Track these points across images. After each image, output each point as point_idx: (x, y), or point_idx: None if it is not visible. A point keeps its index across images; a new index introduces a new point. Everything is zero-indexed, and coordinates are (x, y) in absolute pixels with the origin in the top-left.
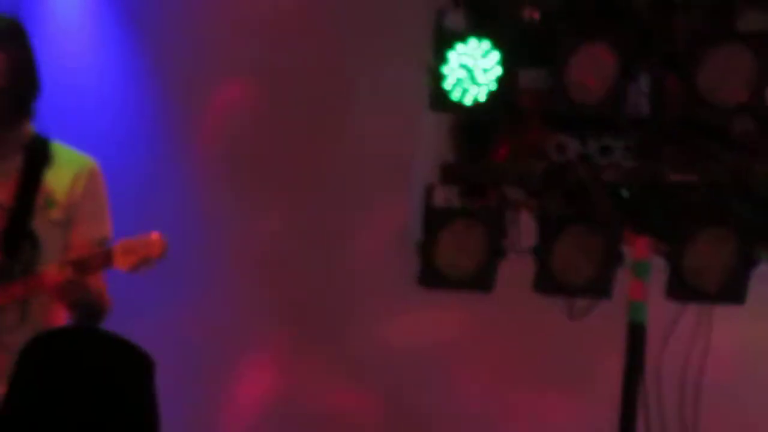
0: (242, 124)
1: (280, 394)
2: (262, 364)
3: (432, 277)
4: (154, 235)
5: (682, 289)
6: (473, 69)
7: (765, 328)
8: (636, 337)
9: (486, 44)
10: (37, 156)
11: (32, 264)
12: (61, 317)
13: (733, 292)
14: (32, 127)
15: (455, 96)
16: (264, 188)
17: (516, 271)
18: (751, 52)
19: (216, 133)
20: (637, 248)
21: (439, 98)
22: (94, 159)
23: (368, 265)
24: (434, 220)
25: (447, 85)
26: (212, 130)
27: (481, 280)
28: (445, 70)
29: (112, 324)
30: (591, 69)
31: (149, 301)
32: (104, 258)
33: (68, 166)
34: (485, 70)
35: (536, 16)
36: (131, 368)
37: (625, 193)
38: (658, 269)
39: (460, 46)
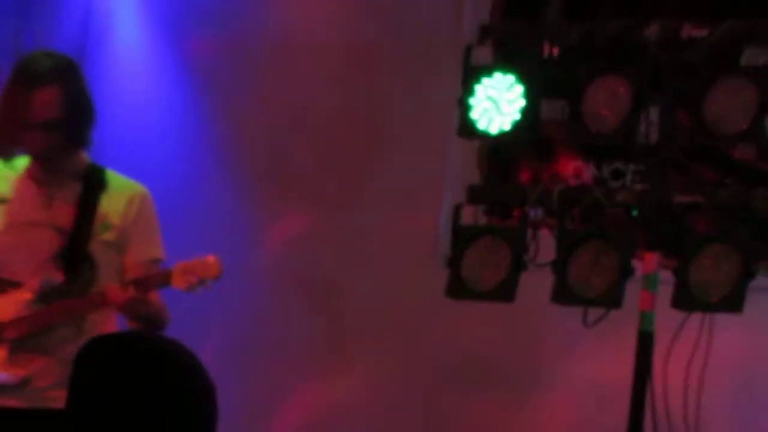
0: (284, 152)
1: (320, 401)
2: (302, 376)
3: (459, 289)
4: (211, 258)
5: (686, 299)
6: (498, 100)
7: (760, 335)
8: (644, 343)
9: (510, 78)
10: (94, 183)
11: (90, 283)
12: (113, 330)
13: (732, 302)
14: (89, 157)
15: (482, 125)
16: (304, 210)
17: (536, 283)
18: (753, 84)
19: (260, 160)
20: (647, 263)
21: (467, 127)
22: (144, 186)
23: (401, 278)
24: (461, 237)
25: (474, 114)
26: (256, 158)
27: (503, 292)
28: (472, 101)
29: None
30: (606, 100)
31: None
32: (163, 278)
33: (122, 192)
34: (510, 102)
35: (555, 52)
36: (180, 369)
37: (635, 213)
38: (666, 282)
39: (486, 80)
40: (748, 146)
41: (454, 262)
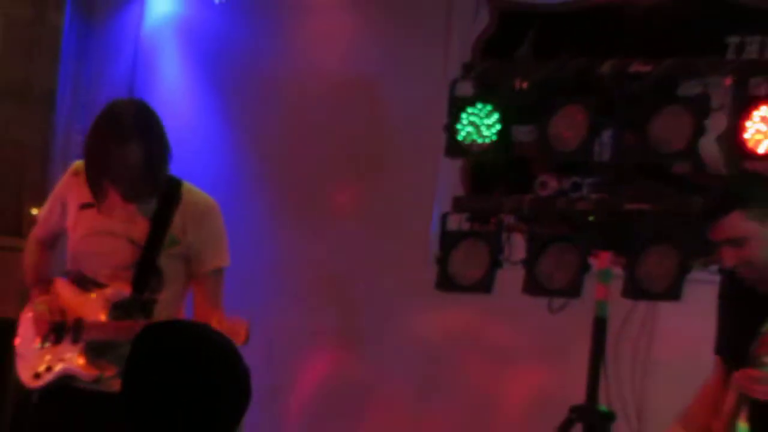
0: (304, 169)
1: (334, 375)
2: (320, 354)
3: (446, 283)
4: (243, 326)
5: (634, 290)
6: (479, 126)
7: (695, 318)
8: (599, 327)
9: (488, 107)
10: (169, 198)
11: (156, 291)
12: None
13: (672, 292)
14: (167, 177)
15: (466, 147)
16: (321, 220)
17: (510, 278)
18: (688, 111)
19: (284, 178)
20: (601, 260)
21: (454, 148)
22: (214, 199)
23: (399, 273)
24: (448, 240)
25: (459, 137)
26: (281, 176)
27: (483, 285)
28: (457, 126)
29: None
30: (567, 125)
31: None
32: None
33: (194, 206)
34: (488, 127)
35: (525, 85)
36: (224, 352)
37: (592, 218)
38: (617, 276)
39: (468, 109)
40: (684, 163)
41: (442, 261)
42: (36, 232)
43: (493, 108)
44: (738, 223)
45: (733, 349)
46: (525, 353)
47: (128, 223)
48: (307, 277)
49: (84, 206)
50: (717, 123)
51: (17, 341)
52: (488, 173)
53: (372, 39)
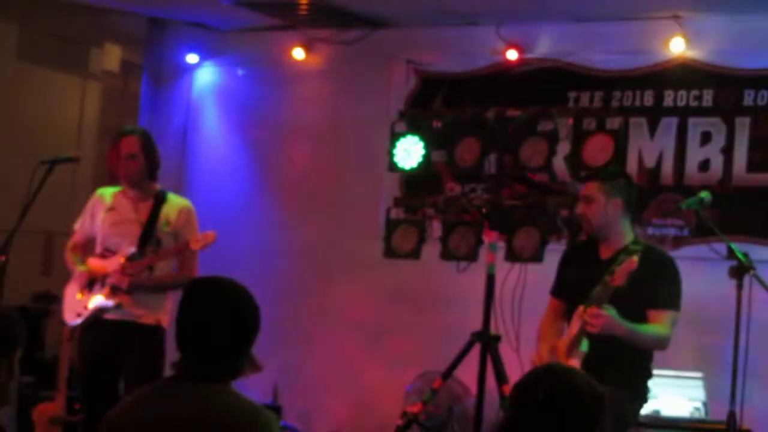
0: (298, 184)
1: (313, 312)
2: (303, 298)
3: (390, 252)
4: (212, 234)
5: (512, 256)
6: (409, 151)
7: (551, 274)
8: (490, 280)
9: (415, 138)
10: (160, 199)
11: (157, 253)
12: (173, 277)
13: (536, 257)
14: (158, 186)
15: (401, 164)
16: (308, 215)
17: (431, 249)
18: (545, 141)
19: (284, 183)
20: (490, 237)
21: (393, 166)
22: (188, 201)
23: (360, 247)
24: (391, 225)
25: (397, 159)
26: (280, 181)
27: (414, 254)
28: (395, 151)
29: None
30: (466, 150)
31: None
32: (185, 245)
33: (176, 205)
34: (415, 152)
35: (439, 125)
36: (247, 295)
37: (484, 211)
38: (501, 247)
39: (402, 139)
40: (543, 174)
41: (386, 239)
42: (74, 237)
43: (418, 139)
44: (592, 187)
45: (565, 291)
46: (442, 298)
47: (136, 213)
48: (299, 249)
49: (108, 210)
50: (563, 148)
51: (65, 298)
52: (416, 182)
53: (339, 97)
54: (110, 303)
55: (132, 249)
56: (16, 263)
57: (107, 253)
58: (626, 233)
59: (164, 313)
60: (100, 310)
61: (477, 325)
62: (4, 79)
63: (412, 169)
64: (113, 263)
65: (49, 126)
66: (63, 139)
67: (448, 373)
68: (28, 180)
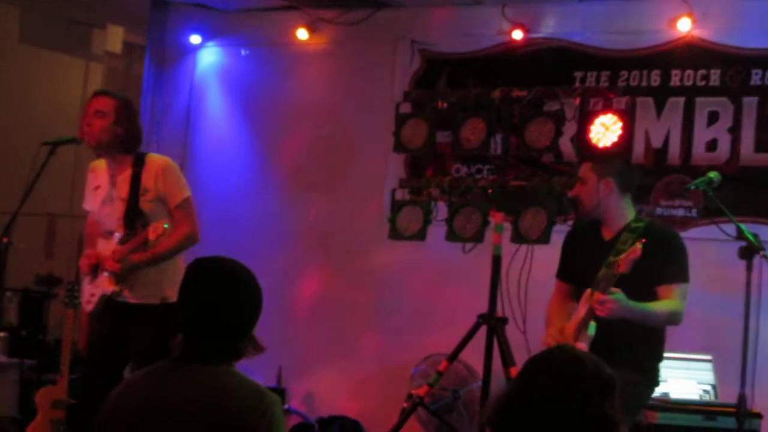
0: (302, 166)
1: (317, 294)
2: (311, 280)
3: (395, 234)
4: (161, 223)
5: (519, 237)
6: (414, 132)
7: (558, 255)
8: (496, 262)
9: (421, 120)
10: (137, 165)
11: (145, 226)
12: (164, 244)
13: (543, 238)
14: (138, 150)
15: (406, 145)
16: (313, 196)
17: (437, 230)
18: (551, 121)
19: (289, 169)
20: (496, 218)
21: (398, 146)
22: (166, 157)
23: (365, 228)
24: (396, 206)
25: (402, 139)
26: (284, 162)
27: (419, 235)
28: (401, 132)
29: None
30: (472, 131)
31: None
32: (143, 236)
33: (152, 166)
34: (420, 133)
35: (444, 105)
36: (250, 273)
37: (490, 192)
38: (507, 228)
39: (408, 121)
40: (549, 155)
41: (392, 220)
42: (90, 218)
43: (423, 120)
44: (586, 168)
45: (571, 274)
46: (448, 280)
47: (116, 189)
48: (304, 230)
49: (95, 188)
50: (570, 129)
51: (83, 287)
52: (421, 163)
53: (343, 77)
54: (109, 290)
55: (119, 233)
56: (18, 245)
57: (107, 234)
58: (626, 212)
59: (170, 288)
60: (104, 297)
61: (483, 307)
62: (6, 61)
63: (418, 150)
64: (109, 248)
65: (52, 108)
66: (65, 121)
67: (454, 356)
68: (30, 162)
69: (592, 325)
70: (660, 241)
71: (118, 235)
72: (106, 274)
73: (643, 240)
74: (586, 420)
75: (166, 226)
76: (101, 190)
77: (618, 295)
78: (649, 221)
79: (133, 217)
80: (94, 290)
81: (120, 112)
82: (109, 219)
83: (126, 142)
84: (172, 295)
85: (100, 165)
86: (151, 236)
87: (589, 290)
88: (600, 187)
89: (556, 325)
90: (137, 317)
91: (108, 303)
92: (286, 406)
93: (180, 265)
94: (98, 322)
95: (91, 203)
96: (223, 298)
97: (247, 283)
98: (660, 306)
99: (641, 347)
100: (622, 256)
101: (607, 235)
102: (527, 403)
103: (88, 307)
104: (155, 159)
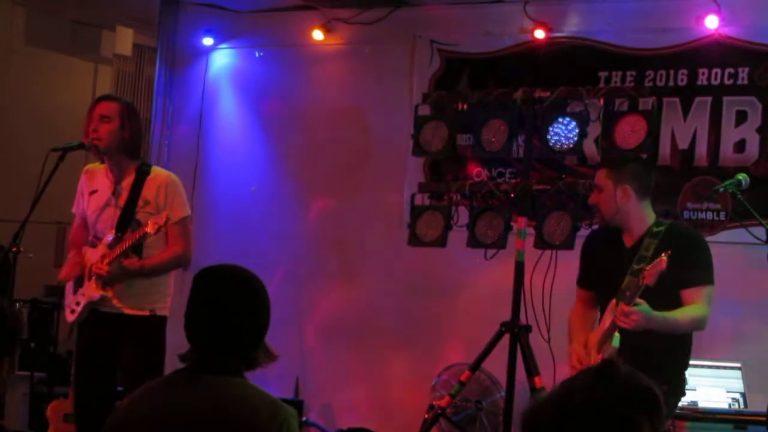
0: (317, 166)
1: (334, 303)
2: (326, 289)
3: (415, 240)
4: (163, 215)
5: (542, 243)
6: (434, 134)
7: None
8: (519, 268)
9: (440, 122)
10: (141, 175)
11: (135, 231)
12: (155, 259)
13: (567, 244)
14: (141, 161)
15: (426, 148)
16: (329, 201)
17: (458, 236)
18: (575, 121)
19: (302, 171)
20: (519, 223)
21: (418, 149)
22: (171, 173)
23: (383, 234)
24: (415, 211)
25: (421, 142)
26: (299, 166)
27: (440, 242)
28: (420, 135)
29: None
30: (493, 133)
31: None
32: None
33: (157, 180)
34: (440, 135)
35: (465, 107)
36: (258, 281)
37: (512, 195)
38: (530, 234)
39: (427, 123)
40: (572, 157)
41: (412, 225)
42: (75, 220)
43: (443, 122)
44: (601, 175)
45: (592, 281)
46: (469, 287)
47: (115, 195)
48: (319, 238)
49: (92, 192)
50: (594, 130)
51: (65, 294)
52: (441, 166)
53: (360, 79)
54: (96, 296)
55: (111, 236)
56: (27, 254)
57: (96, 240)
58: (646, 216)
59: (160, 300)
60: (90, 304)
61: (506, 314)
62: (13, 65)
63: (437, 153)
64: (97, 253)
65: (61, 112)
66: (75, 126)
67: (476, 365)
68: (39, 168)
69: (617, 336)
70: (683, 245)
71: (109, 238)
72: (92, 279)
73: (669, 252)
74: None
75: (168, 218)
76: (100, 194)
77: (643, 306)
78: (670, 223)
79: (127, 225)
80: (79, 299)
81: (124, 116)
82: (104, 224)
83: (131, 146)
84: (161, 308)
85: (98, 169)
86: (151, 230)
87: (614, 300)
88: (617, 195)
89: (580, 338)
90: (125, 331)
91: (94, 314)
92: (303, 418)
93: (170, 279)
94: (84, 331)
95: (84, 207)
96: (234, 306)
97: (258, 291)
98: (684, 313)
99: (667, 356)
100: (648, 268)
101: (629, 241)
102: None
103: (71, 317)
104: (160, 172)
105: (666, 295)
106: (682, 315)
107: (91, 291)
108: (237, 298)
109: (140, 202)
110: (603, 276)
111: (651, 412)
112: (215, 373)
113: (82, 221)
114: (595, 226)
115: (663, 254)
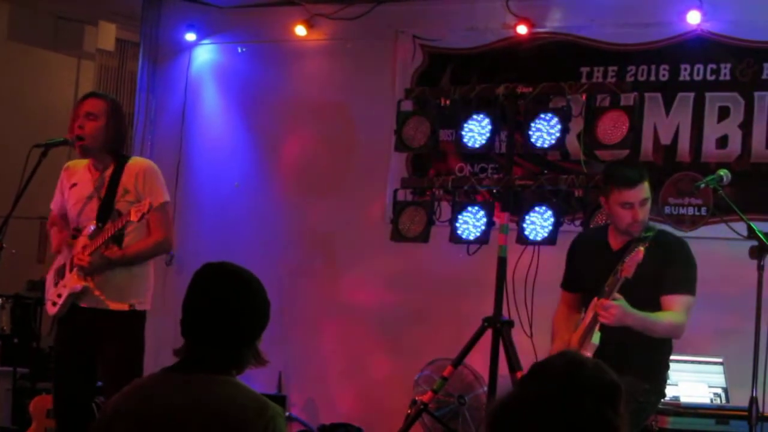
0: (304, 163)
1: (318, 297)
2: (310, 283)
3: (398, 235)
4: (146, 201)
5: (524, 239)
6: (416, 130)
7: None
8: (501, 264)
9: (423, 118)
10: (118, 166)
11: (115, 222)
12: (136, 246)
13: (550, 239)
14: (122, 151)
15: (408, 144)
16: (313, 195)
17: (440, 231)
18: (557, 117)
19: (289, 169)
20: (501, 218)
21: (400, 145)
22: (149, 160)
23: (367, 229)
24: (398, 206)
25: (404, 138)
26: (282, 161)
27: (422, 237)
28: (402, 130)
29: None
30: (476, 129)
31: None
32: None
33: (134, 168)
34: (422, 131)
35: (447, 102)
36: (256, 279)
37: (494, 191)
38: (512, 229)
39: (410, 118)
40: (555, 152)
41: (394, 221)
42: (52, 213)
43: (425, 118)
44: (645, 188)
45: (578, 284)
46: (452, 282)
47: (95, 187)
48: (303, 232)
49: (72, 186)
50: (576, 125)
51: (46, 287)
52: (423, 162)
53: (343, 75)
54: (78, 287)
55: (92, 227)
56: (10, 250)
57: (76, 232)
58: None
59: (140, 295)
60: (71, 297)
61: (488, 310)
62: None
63: (420, 148)
64: (79, 244)
65: (43, 108)
66: (58, 121)
67: (459, 361)
68: (22, 164)
69: (597, 333)
70: (667, 250)
71: (90, 229)
72: (74, 271)
73: (646, 244)
74: (585, 425)
75: (151, 205)
76: (80, 187)
77: (621, 301)
78: (658, 230)
79: (108, 215)
80: (60, 290)
81: (111, 114)
82: (87, 217)
83: (115, 143)
84: (141, 303)
85: (79, 164)
86: (134, 218)
87: (596, 298)
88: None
89: (563, 337)
90: (104, 326)
91: (73, 309)
92: (286, 414)
93: (150, 273)
94: (63, 326)
95: (63, 201)
96: (232, 302)
97: (257, 291)
98: (662, 317)
99: (649, 355)
100: (626, 260)
101: (616, 245)
102: (525, 407)
103: (53, 309)
104: (138, 161)
105: (647, 298)
106: (659, 318)
107: (73, 282)
108: (235, 294)
109: (120, 191)
110: (588, 278)
111: (615, 405)
112: (205, 370)
113: (60, 214)
114: (578, 222)
115: (641, 245)
